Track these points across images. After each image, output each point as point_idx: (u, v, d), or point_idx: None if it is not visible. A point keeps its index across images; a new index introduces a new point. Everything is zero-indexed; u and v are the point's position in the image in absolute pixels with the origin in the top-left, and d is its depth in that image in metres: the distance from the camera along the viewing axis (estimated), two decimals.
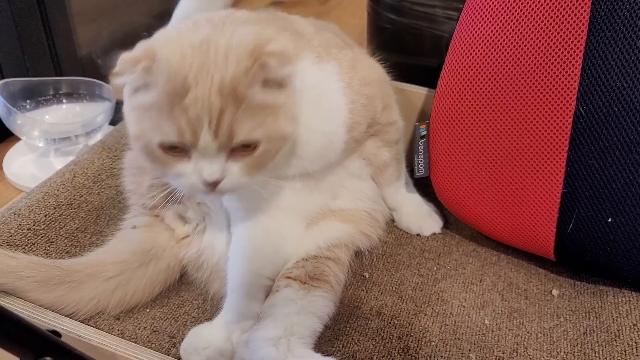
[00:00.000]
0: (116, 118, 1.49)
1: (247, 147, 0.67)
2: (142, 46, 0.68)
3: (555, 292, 0.93)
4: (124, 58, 0.65)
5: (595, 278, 0.94)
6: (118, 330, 0.84)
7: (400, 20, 1.27)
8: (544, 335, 0.85)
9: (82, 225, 1.01)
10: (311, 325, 0.80)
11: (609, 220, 0.84)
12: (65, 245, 0.96)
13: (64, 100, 1.56)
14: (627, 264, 0.86)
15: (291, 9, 2.93)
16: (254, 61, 0.64)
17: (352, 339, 0.84)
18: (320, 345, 0.82)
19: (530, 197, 0.90)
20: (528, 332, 0.86)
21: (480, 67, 0.89)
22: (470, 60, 0.90)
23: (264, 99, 0.66)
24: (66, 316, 0.82)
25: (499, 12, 0.87)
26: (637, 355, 0.79)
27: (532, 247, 0.95)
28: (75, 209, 1.03)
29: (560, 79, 0.84)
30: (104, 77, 1.85)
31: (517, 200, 0.92)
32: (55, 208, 1.01)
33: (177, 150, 0.66)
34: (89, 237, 0.99)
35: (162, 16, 2.34)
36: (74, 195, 1.05)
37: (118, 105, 1.54)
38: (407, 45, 1.29)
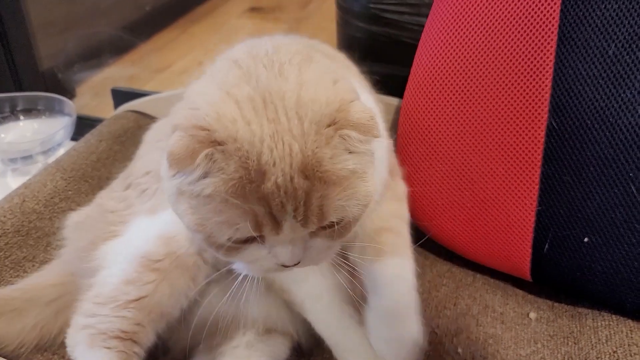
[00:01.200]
0: (77, 134, 1.43)
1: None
2: (188, 125, 0.51)
3: (532, 315, 0.88)
4: (174, 153, 0.49)
5: (575, 299, 0.89)
6: None
7: (370, 28, 1.21)
8: None
9: (30, 253, 0.94)
10: None
11: (585, 239, 0.79)
12: (10, 277, 0.90)
13: (22, 117, 1.49)
14: (605, 286, 0.81)
15: (269, 14, 2.90)
16: (335, 131, 0.51)
17: None
18: None
19: (505, 215, 0.85)
20: None
21: (447, 78, 0.84)
22: (437, 71, 0.85)
23: (351, 167, 0.52)
24: (12, 350, 0.76)
25: (466, 20, 0.82)
26: None
27: (508, 268, 0.90)
28: (23, 236, 0.96)
29: (531, 90, 0.79)
30: (68, 92, 1.79)
31: (491, 218, 0.87)
32: (0, 236, 0.94)
33: (247, 239, 0.53)
34: (37, 266, 0.93)
35: (130, 28, 2.32)
36: (22, 221, 0.98)
37: (79, 120, 1.48)
38: (378, 54, 1.24)
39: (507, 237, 0.85)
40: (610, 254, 0.78)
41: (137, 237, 0.72)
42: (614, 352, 0.78)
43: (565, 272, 0.83)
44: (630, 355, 0.78)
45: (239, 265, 0.58)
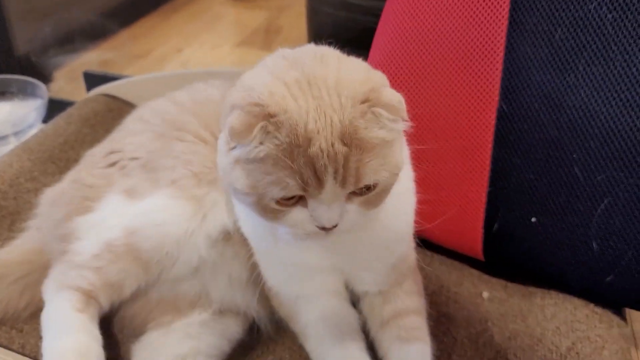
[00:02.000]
0: (51, 117, 1.44)
1: (367, 187, 0.61)
2: (244, 103, 0.58)
3: (485, 294, 0.90)
4: (235, 128, 0.57)
5: (527, 279, 0.91)
6: (19, 343, 0.79)
7: (337, 14, 1.23)
8: (469, 341, 0.82)
9: None
10: (220, 346, 0.79)
11: (532, 219, 0.81)
12: None
13: None
14: (550, 264, 0.83)
15: (251, 2, 2.89)
16: (369, 107, 0.58)
17: (268, 348, 0.81)
18: (232, 357, 0.79)
19: (458, 195, 0.87)
20: (454, 338, 0.83)
21: (402, 61, 0.86)
22: (392, 54, 0.87)
23: (382, 136, 0.59)
24: None
25: (420, 4, 0.84)
26: None
27: (462, 247, 0.92)
28: None
29: (482, 74, 0.81)
30: (44, 77, 1.79)
31: (445, 198, 0.88)
32: None
33: (292, 200, 0.60)
34: (0, 244, 0.94)
35: (111, 15, 2.31)
36: None
37: (54, 104, 1.48)
38: (346, 40, 1.25)
39: (460, 217, 0.87)
40: (555, 234, 0.80)
41: (109, 221, 0.78)
42: (557, 328, 0.81)
43: (515, 250, 0.85)
44: (572, 331, 0.80)
45: (283, 230, 0.64)
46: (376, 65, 0.87)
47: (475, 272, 0.95)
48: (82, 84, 1.75)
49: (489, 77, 0.80)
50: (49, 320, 0.74)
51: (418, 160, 0.88)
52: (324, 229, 0.60)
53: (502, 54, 0.79)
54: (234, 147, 0.59)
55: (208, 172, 0.78)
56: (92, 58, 2.14)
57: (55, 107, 1.47)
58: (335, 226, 0.60)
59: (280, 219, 0.61)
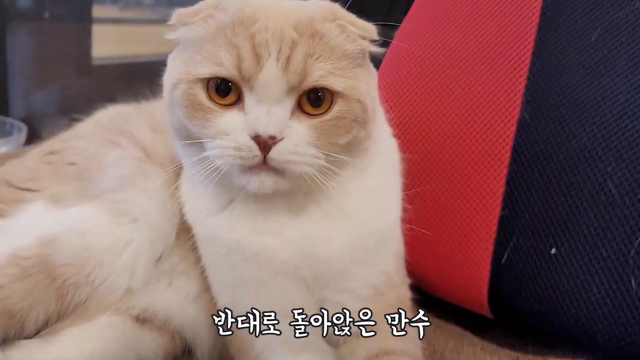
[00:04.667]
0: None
1: (319, 106, 0.53)
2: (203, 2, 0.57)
3: None
4: (181, 12, 0.55)
5: (542, 348, 0.73)
6: None
7: None
8: None
9: None
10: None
11: (552, 251, 0.66)
12: None
13: None
14: (572, 313, 0.66)
15: None
16: (334, 19, 0.54)
17: None
18: None
19: (465, 222, 0.73)
20: None
21: (418, 64, 0.79)
22: (410, 56, 0.79)
23: (345, 45, 0.54)
24: None
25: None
26: None
27: (463, 296, 0.76)
28: None
29: (505, 80, 0.73)
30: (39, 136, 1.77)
31: (450, 227, 0.74)
32: None
33: (227, 97, 0.53)
34: None
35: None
36: None
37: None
38: None
39: (464, 250, 0.72)
40: (581, 269, 0.65)
41: (22, 226, 0.64)
42: None
43: (528, 292, 0.68)
44: None
45: (211, 148, 0.53)
46: (392, 70, 0.79)
47: (478, 341, 0.77)
48: None
49: (512, 84, 0.71)
50: None
51: (426, 176, 0.75)
52: (258, 139, 0.50)
53: (528, 59, 0.71)
54: (177, 29, 0.56)
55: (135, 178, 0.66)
56: None
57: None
58: (273, 139, 0.50)
59: (212, 123, 0.53)
